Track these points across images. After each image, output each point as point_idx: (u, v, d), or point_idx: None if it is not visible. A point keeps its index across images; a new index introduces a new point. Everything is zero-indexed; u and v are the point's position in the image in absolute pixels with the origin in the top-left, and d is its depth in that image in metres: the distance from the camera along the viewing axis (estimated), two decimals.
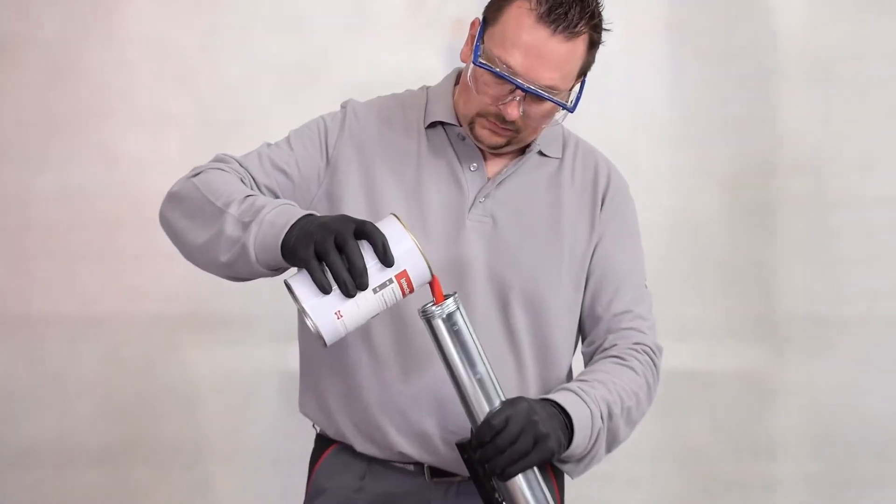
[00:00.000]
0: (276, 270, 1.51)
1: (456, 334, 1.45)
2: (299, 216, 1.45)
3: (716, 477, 2.88)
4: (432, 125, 1.76)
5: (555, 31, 1.56)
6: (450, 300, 1.45)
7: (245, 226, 1.49)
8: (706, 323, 2.86)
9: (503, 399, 1.48)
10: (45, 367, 2.84)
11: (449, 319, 1.45)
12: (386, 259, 1.38)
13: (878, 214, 2.82)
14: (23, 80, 2.81)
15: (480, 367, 1.47)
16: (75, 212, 2.81)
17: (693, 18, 2.83)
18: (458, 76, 1.77)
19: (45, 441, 2.84)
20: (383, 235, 1.38)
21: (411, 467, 1.73)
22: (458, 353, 1.46)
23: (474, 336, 1.47)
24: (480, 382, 1.47)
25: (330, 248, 1.36)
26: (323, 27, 2.82)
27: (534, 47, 1.56)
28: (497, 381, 1.48)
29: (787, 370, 2.87)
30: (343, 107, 1.80)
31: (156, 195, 1.69)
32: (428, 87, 1.82)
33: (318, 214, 1.46)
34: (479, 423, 1.46)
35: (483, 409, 1.47)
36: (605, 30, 1.64)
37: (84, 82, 2.81)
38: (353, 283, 1.36)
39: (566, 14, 1.56)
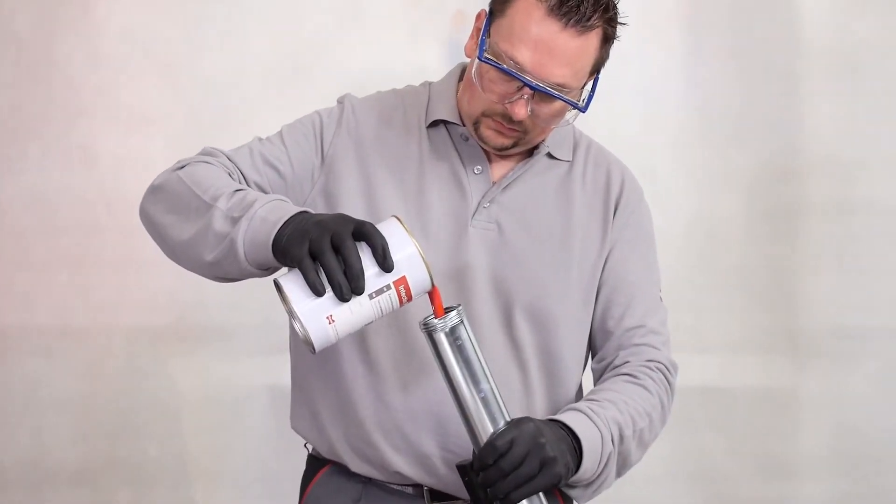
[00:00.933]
0: (266, 270, 1.51)
1: (459, 349, 1.45)
2: (293, 213, 1.44)
3: (734, 499, 2.88)
4: (434, 124, 1.75)
5: (566, 24, 1.55)
6: (453, 312, 1.44)
7: (234, 221, 1.48)
8: (724, 335, 2.85)
9: (508, 419, 1.48)
10: (18, 383, 2.82)
11: (452, 333, 1.44)
12: (385, 263, 1.37)
13: None
14: None
15: (484, 385, 1.46)
16: (50, 216, 2.79)
17: (712, 11, 2.83)
18: (463, 72, 1.77)
19: (18, 460, 2.83)
20: (383, 238, 1.37)
21: (410, 490, 1.72)
22: (461, 369, 1.45)
23: (479, 351, 1.47)
24: (484, 401, 1.46)
25: (326, 248, 1.35)
26: (316, 18, 2.81)
27: (543, 42, 1.55)
28: (502, 399, 1.48)
29: (811, 384, 2.87)
30: (340, 102, 1.80)
31: (136, 198, 1.67)
32: (430, 83, 1.81)
33: (313, 212, 1.45)
34: (482, 444, 1.46)
35: (486, 429, 1.47)
36: (621, 24, 1.63)
37: (59, 77, 2.79)
38: (349, 286, 1.35)
39: (579, 6, 1.55)
